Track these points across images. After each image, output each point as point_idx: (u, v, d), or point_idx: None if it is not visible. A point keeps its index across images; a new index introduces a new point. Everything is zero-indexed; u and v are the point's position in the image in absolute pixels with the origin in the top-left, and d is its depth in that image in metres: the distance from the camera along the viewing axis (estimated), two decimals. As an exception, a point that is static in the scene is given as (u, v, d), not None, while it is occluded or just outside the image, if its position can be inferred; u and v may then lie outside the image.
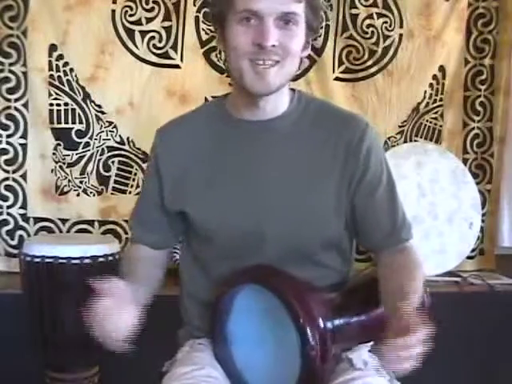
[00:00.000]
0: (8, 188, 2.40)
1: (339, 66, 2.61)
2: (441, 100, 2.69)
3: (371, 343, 1.18)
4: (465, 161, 2.68)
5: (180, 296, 1.32)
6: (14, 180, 2.40)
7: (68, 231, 2.44)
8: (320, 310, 1.02)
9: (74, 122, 2.43)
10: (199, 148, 1.21)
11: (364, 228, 1.22)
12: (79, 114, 2.43)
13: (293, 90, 1.24)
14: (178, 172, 1.21)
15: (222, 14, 1.11)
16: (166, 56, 2.48)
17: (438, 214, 2.48)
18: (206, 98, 2.51)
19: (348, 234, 1.24)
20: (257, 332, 1.09)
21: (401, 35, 2.63)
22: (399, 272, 1.16)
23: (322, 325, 1.00)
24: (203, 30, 2.50)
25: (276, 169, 1.18)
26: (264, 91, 1.12)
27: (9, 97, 2.37)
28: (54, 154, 2.42)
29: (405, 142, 2.65)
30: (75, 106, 2.42)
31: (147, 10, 2.45)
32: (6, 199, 2.40)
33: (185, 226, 1.28)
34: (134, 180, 2.49)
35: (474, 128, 2.71)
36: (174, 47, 2.48)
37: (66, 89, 2.41)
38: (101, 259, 1.84)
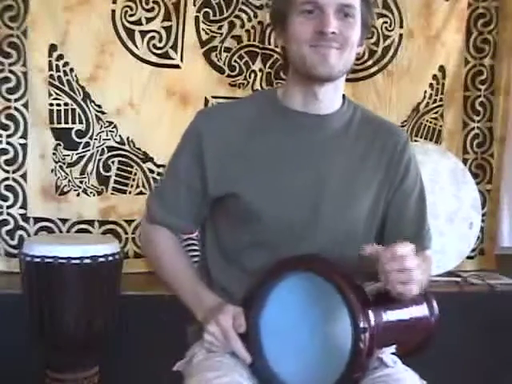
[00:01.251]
0: (8, 188, 2.40)
1: (339, 66, 2.61)
2: (441, 100, 2.69)
3: (394, 346, 1.19)
4: (465, 161, 2.68)
5: None
6: (14, 180, 2.40)
7: (68, 231, 2.44)
8: (367, 302, 1.03)
9: (74, 122, 2.43)
10: (249, 132, 1.21)
11: (391, 231, 1.26)
12: (79, 114, 2.43)
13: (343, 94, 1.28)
14: (226, 155, 1.20)
15: (282, 10, 1.17)
16: (166, 56, 2.48)
17: (438, 214, 2.48)
18: (205, 98, 2.51)
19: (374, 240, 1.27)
20: (294, 326, 1.08)
21: (401, 35, 2.64)
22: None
23: (371, 314, 1.01)
24: (203, 30, 2.50)
25: (326, 165, 1.21)
26: (327, 73, 1.15)
27: (9, 97, 2.37)
28: (54, 154, 2.42)
29: (405, 141, 2.65)
30: (75, 106, 2.42)
31: (147, 10, 2.45)
32: (6, 199, 2.40)
33: (211, 215, 1.27)
34: (133, 180, 2.49)
35: (474, 128, 2.72)
36: (174, 47, 2.49)
37: (66, 89, 2.41)
38: (101, 259, 1.84)
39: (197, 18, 2.49)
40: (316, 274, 1.04)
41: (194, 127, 1.24)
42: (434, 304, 1.28)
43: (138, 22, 2.45)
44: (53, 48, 2.38)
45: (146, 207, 1.32)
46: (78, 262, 1.80)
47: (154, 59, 2.47)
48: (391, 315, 1.14)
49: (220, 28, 2.52)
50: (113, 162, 2.47)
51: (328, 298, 1.02)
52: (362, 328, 0.98)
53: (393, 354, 1.19)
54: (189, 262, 1.29)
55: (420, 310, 1.25)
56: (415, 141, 2.67)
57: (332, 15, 1.12)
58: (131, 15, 2.44)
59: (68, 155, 2.43)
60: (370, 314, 1.01)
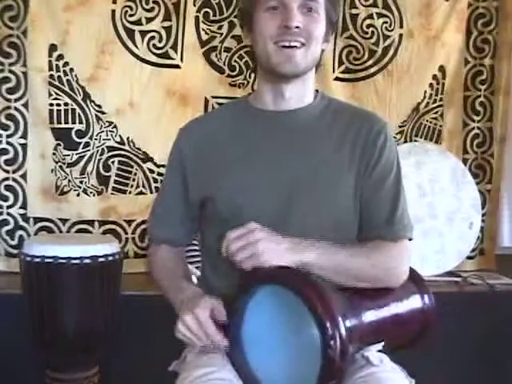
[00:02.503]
0: (8, 188, 2.40)
1: (339, 66, 2.61)
2: (441, 100, 2.69)
3: (381, 343, 1.18)
4: (465, 161, 2.69)
5: None
6: (14, 180, 2.40)
7: (68, 231, 2.44)
8: (338, 307, 1.02)
9: (74, 122, 2.43)
10: (222, 137, 1.26)
11: (363, 216, 1.23)
12: (79, 114, 2.43)
13: (316, 90, 1.30)
14: (202, 161, 1.25)
15: (248, 8, 1.21)
16: (165, 56, 2.48)
17: (437, 214, 2.48)
18: (205, 98, 2.51)
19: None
20: (272, 334, 1.09)
21: (401, 35, 2.64)
22: (356, 245, 1.21)
23: (340, 320, 1.00)
24: (203, 30, 2.50)
25: (299, 158, 1.21)
26: (291, 71, 1.18)
27: (9, 97, 2.37)
28: (54, 154, 2.42)
29: (405, 141, 2.65)
30: (75, 106, 2.42)
31: (147, 10, 2.45)
32: (6, 199, 2.40)
33: (200, 220, 1.30)
34: (134, 180, 2.49)
35: (473, 128, 2.72)
36: (174, 47, 2.49)
37: (66, 89, 2.41)
38: (101, 259, 1.84)
39: (197, 18, 2.49)
40: (284, 286, 1.04)
41: (176, 145, 1.31)
42: (428, 295, 1.27)
43: (138, 22, 2.45)
44: (53, 48, 2.38)
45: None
46: (77, 261, 1.80)
47: (153, 59, 2.47)
48: (374, 314, 1.14)
49: (220, 28, 2.52)
50: (113, 162, 2.47)
51: (297, 308, 1.02)
52: (330, 336, 0.97)
53: (380, 351, 1.18)
54: (180, 266, 1.31)
55: (411, 303, 1.24)
56: (415, 141, 2.67)
57: (296, 10, 1.15)
58: (131, 15, 2.44)
59: (68, 155, 2.43)
60: (340, 319, 0.99)
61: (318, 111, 1.26)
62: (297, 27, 1.15)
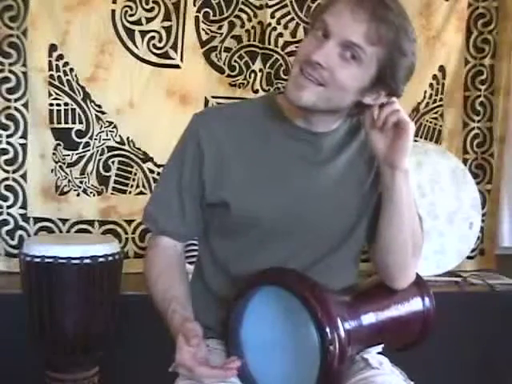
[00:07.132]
0: (8, 188, 2.40)
1: (339, 66, 2.61)
2: (441, 100, 2.69)
3: (381, 345, 1.18)
4: (465, 161, 2.68)
5: (192, 295, 1.25)
6: (14, 180, 2.40)
7: (68, 231, 2.44)
8: (337, 309, 1.02)
9: (74, 122, 2.43)
10: (246, 139, 1.18)
11: (373, 228, 1.23)
12: (79, 114, 2.43)
13: None
14: (221, 160, 1.17)
15: (311, 20, 1.14)
16: (166, 56, 2.48)
17: (438, 214, 2.48)
18: (205, 98, 2.51)
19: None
20: (271, 337, 1.09)
21: (401, 35, 2.63)
22: None
23: (340, 324, 1.00)
24: (203, 30, 2.50)
25: (318, 177, 1.18)
26: (295, 102, 1.09)
27: (9, 97, 2.37)
28: (54, 154, 2.42)
29: (405, 141, 2.64)
30: (75, 106, 2.42)
31: (147, 10, 2.45)
32: (5, 199, 2.40)
33: (207, 220, 1.25)
34: (133, 180, 2.49)
35: (474, 128, 2.72)
36: (174, 47, 2.49)
37: (66, 89, 2.41)
38: (101, 259, 1.84)
39: (197, 17, 2.49)
40: (283, 288, 1.04)
41: (193, 132, 1.20)
42: (429, 297, 1.27)
43: (138, 22, 2.45)
44: (53, 48, 2.38)
45: (144, 219, 1.28)
46: (77, 262, 1.80)
47: (154, 59, 2.47)
48: (374, 316, 1.14)
49: (220, 28, 2.52)
50: (113, 162, 2.47)
51: (296, 311, 1.02)
52: (329, 340, 0.98)
53: (380, 353, 1.18)
54: (180, 283, 1.21)
55: (412, 306, 1.24)
56: (415, 141, 2.66)
57: (332, 46, 1.04)
58: (131, 15, 2.44)
59: (68, 155, 2.43)
60: (339, 323, 1.00)
61: (342, 134, 1.21)
62: (318, 63, 1.04)
